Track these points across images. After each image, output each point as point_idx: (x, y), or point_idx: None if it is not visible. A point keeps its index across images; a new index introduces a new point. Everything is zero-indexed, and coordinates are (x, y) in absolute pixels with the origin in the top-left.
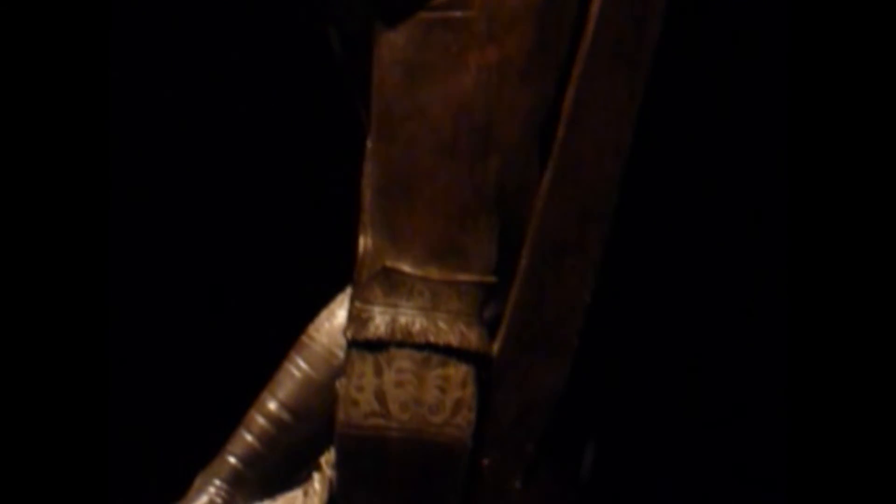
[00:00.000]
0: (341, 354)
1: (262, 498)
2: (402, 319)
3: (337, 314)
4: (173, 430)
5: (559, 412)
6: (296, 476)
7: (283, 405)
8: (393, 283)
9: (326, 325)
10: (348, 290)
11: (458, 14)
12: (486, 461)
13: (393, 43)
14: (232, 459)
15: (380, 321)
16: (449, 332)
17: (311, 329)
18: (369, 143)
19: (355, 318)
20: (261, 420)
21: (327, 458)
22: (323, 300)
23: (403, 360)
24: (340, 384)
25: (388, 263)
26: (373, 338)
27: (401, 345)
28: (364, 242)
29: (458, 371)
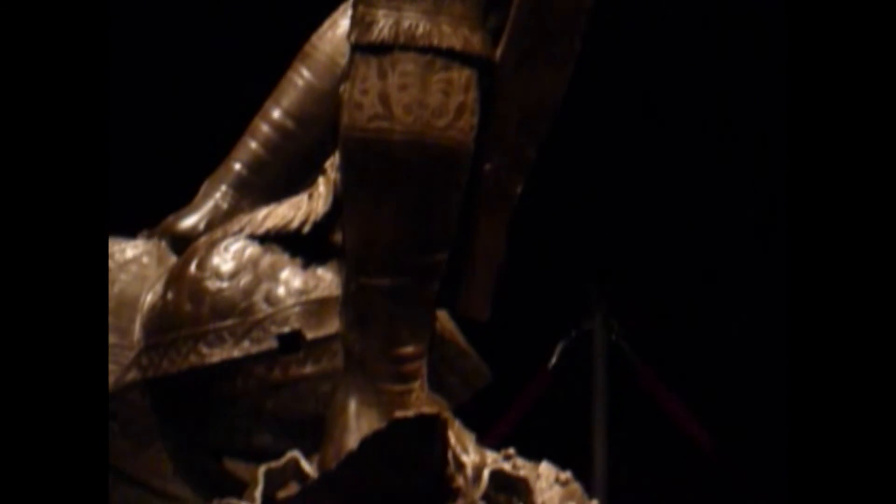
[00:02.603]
0: (344, 63)
1: (267, 202)
2: (406, 22)
3: (340, 23)
4: (181, 140)
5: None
6: (301, 182)
7: (286, 113)
8: None
9: (329, 34)
10: (350, 1)
11: None
12: (487, 166)
13: None
14: (237, 166)
15: (383, 24)
16: (452, 35)
17: (315, 38)
18: None
19: (359, 22)
20: (265, 128)
21: (332, 162)
22: (326, 10)
23: (407, 64)
24: (344, 88)
25: None
26: (376, 41)
27: (405, 48)
28: None
29: (462, 75)
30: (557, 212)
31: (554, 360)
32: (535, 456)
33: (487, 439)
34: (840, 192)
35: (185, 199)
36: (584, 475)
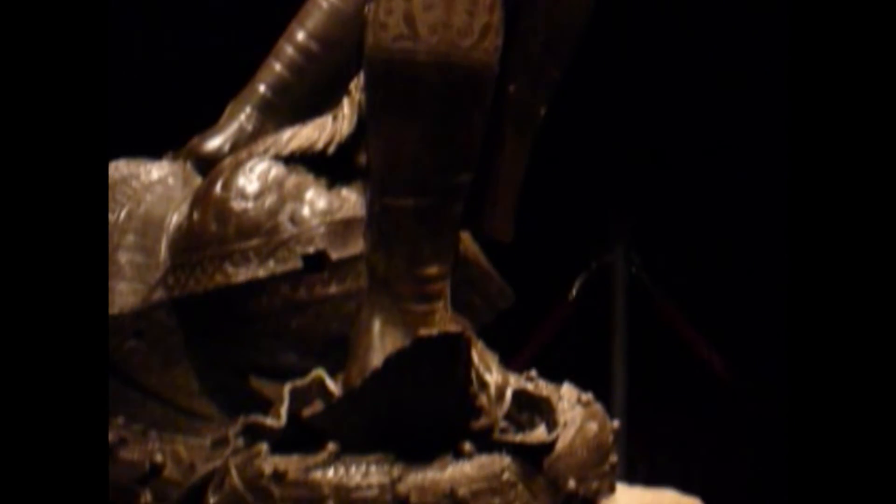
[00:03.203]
0: None
1: (291, 124)
2: None
3: None
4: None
5: None
6: (325, 103)
7: (311, 35)
8: None
9: None
10: None
11: None
12: (512, 87)
13: None
14: (262, 88)
15: None
16: None
17: None
18: None
19: None
20: (289, 50)
21: (356, 84)
22: None
23: None
24: (369, 9)
25: None
26: None
27: None
28: None
29: None
30: (578, 143)
31: (574, 292)
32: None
33: (508, 369)
34: (842, 133)
35: (209, 121)
36: (603, 403)
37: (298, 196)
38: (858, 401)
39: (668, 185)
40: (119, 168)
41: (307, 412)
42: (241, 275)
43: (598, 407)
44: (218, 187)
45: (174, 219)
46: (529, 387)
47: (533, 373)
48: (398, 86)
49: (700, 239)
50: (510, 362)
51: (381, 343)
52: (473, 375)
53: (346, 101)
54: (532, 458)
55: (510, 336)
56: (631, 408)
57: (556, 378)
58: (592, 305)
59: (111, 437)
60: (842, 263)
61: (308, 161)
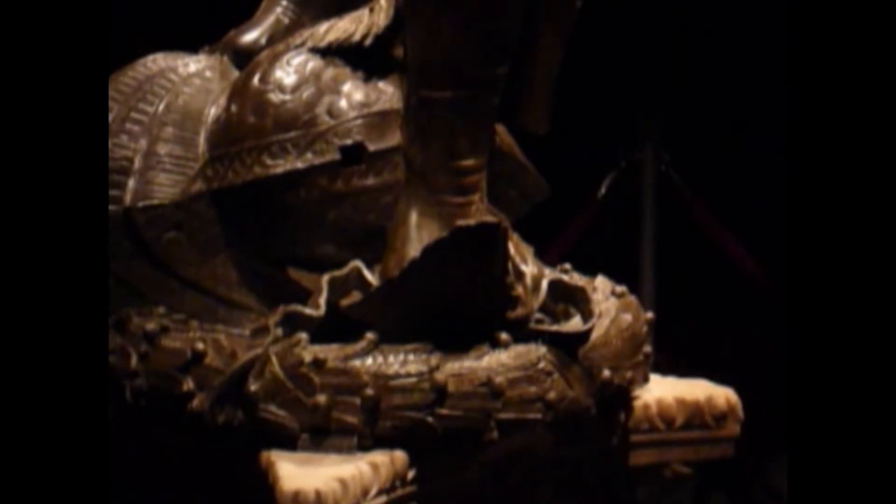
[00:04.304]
0: None
1: (328, 17)
2: None
3: None
4: None
5: None
6: None
7: None
8: None
9: None
10: None
11: None
12: None
13: None
14: None
15: None
16: None
17: None
18: None
19: None
20: None
21: None
22: None
23: None
24: None
25: None
26: None
27: None
28: None
29: None
30: (608, 42)
31: (603, 190)
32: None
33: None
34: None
35: (245, 13)
36: None
37: (336, 88)
38: (886, 299)
39: (697, 83)
40: (157, 61)
41: (345, 302)
42: (280, 167)
43: (632, 298)
44: (256, 80)
45: (212, 111)
46: (565, 278)
47: (567, 265)
48: None
49: (728, 137)
50: (541, 259)
51: (418, 234)
52: (510, 266)
53: None
54: (567, 348)
55: (538, 234)
56: (659, 304)
57: (585, 274)
58: (622, 203)
59: (152, 325)
60: (875, 176)
61: (345, 53)
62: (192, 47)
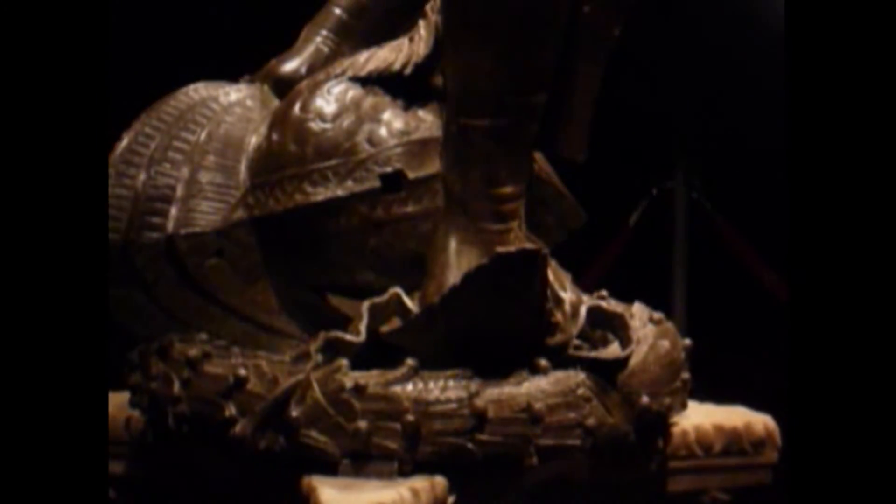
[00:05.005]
0: None
1: (367, 46)
2: None
3: None
4: None
5: None
6: (400, 26)
7: None
8: None
9: None
10: None
11: None
12: (587, 8)
13: None
14: (338, 11)
15: None
16: None
17: None
18: None
19: None
20: None
21: (432, 5)
22: None
23: None
24: None
25: None
26: None
27: None
28: None
29: None
30: (642, 70)
31: (635, 217)
32: None
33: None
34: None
35: (285, 44)
36: None
37: (375, 117)
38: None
39: (727, 113)
40: (198, 90)
41: (386, 328)
42: (320, 194)
43: (669, 325)
44: (296, 108)
45: (253, 140)
46: (603, 304)
47: (604, 292)
48: (475, 7)
49: (759, 165)
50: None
51: (458, 261)
52: (549, 293)
53: (422, 23)
54: (606, 374)
55: (573, 260)
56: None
57: (618, 301)
58: (653, 231)
59: (195, 351)
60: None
61: (385, 82)
62: (232, 76)
